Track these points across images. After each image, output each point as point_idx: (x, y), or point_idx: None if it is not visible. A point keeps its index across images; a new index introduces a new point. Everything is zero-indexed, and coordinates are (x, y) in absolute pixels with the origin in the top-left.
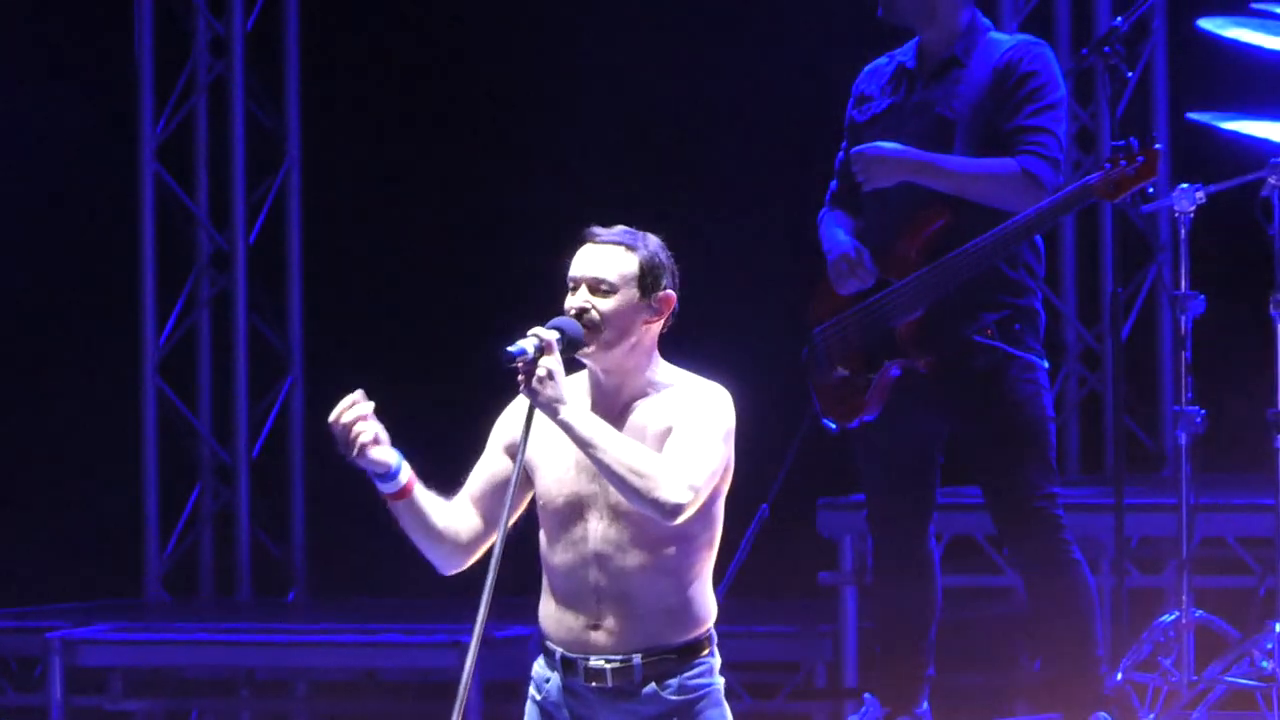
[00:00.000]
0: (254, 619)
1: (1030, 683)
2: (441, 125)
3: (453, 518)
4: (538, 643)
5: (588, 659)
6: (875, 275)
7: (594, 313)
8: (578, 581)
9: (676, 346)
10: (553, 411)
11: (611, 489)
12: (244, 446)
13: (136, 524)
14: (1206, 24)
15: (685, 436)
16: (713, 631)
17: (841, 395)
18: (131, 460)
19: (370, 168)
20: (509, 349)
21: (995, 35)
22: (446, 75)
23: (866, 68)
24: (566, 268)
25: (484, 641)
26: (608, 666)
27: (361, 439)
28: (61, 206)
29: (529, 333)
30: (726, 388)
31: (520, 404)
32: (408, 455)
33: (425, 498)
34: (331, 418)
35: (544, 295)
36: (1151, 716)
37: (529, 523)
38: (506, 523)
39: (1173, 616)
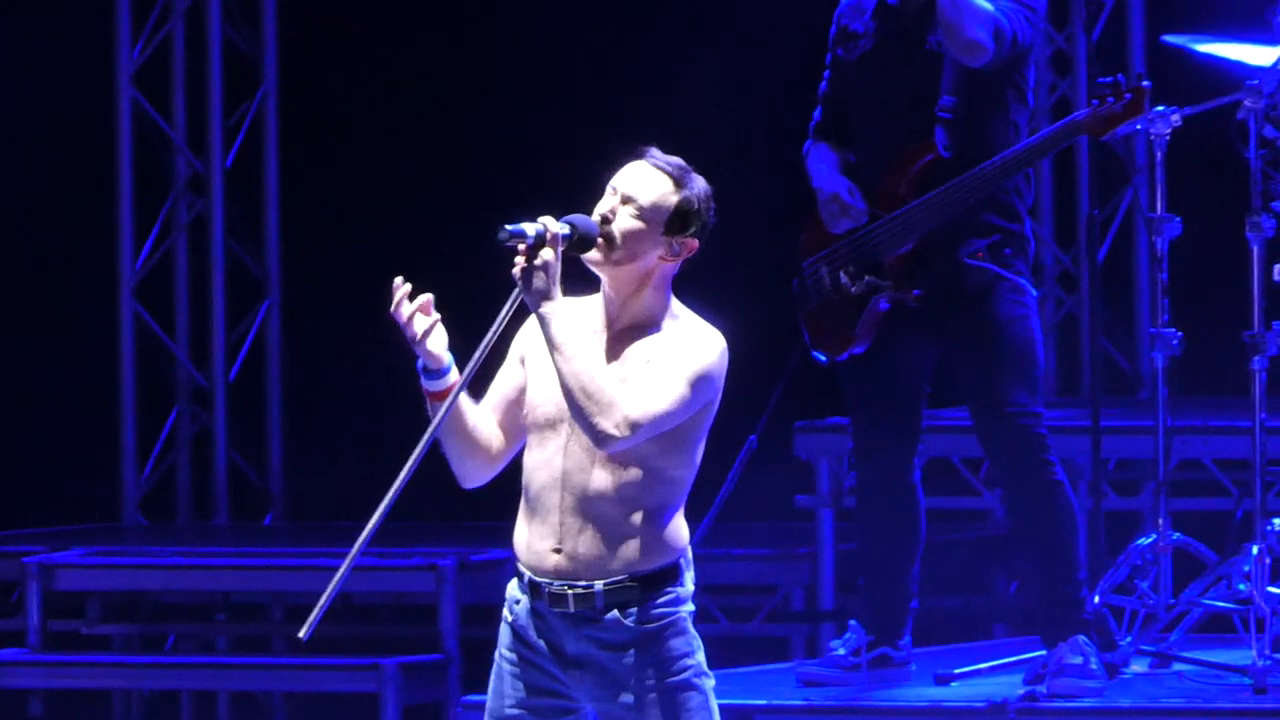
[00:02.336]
0: (230, 543)
1: (1008, 606)
2: (421, 47)
3: (485, 427)
4: (514, 567)
5: (552, 584)
6: (867, 214)
7: (614, 225)
8: (546, 502)
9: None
10: (535, 303)
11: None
12: (221, 370)
13: (113, 448)
14: None
15: (652, 374)
16: (681, 562)
17: (830, 327)
18: (108, 384)
19: (348, 91)
20: (508, 226)
21: None
22: None
23: (843, 6)
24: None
25: (460, 565)
26: (570, 592)
27: (419, 327)
28: (38, 132)
29: (539, 219)
30: (715, 320)
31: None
32: (388, 380)
33: (466, 402)
34: (392, 309)
35: (527, 217)
36: (1129, 639)
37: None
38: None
39: (1150, 539)
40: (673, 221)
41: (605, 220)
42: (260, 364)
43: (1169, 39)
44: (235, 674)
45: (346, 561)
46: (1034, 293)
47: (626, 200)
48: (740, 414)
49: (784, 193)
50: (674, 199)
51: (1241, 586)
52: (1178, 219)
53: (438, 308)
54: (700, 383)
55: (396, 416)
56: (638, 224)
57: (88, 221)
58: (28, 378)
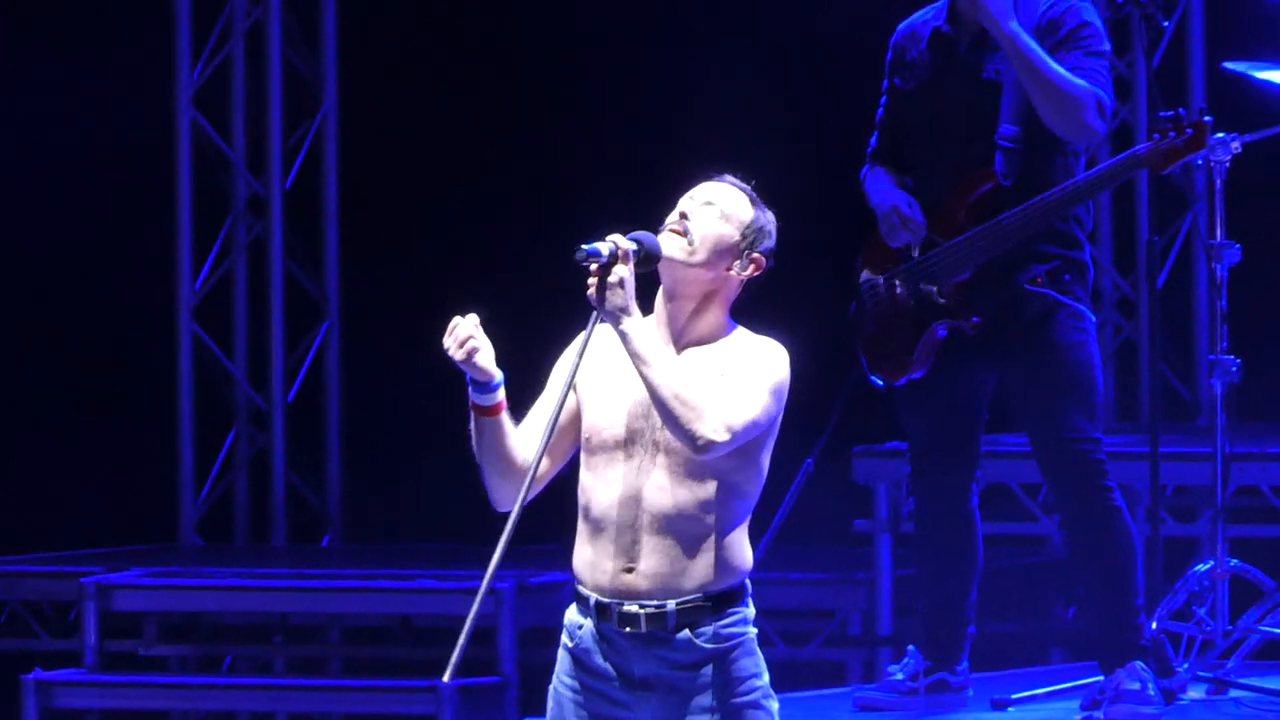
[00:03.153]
0: (288, 565)
1: (1065, 631)
2: (480, 71)
3: (525, 449)
4: (572, 590)
5: (622, 604)
6: (925, 228)
7: (693, 226)
8: (616, 521)
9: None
10: (615, 319)
11: (658, 425)
12: (279, 392)
13: (172, 469)
14: None
15: (735, 382)
16: (748, 582)
17: (888, 352)
18: (167, 405)
19: (407, 113)
20: (584, 246)
21: None
22: (486, 22)
23: (902, 26)
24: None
25: (519, 588)
26: (641, 612)
27: (472, 343)
28: (98, 152)
29: (608, 238)
30: (776, 340)
31: (579, 342)
32: (447, 401)
33: (509, 423)
34: (445, 342)
35: (586, 240)
36: (1186, 665)
37: (569, 469)
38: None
39: (1207, 566)
40: (747, 233)
41: (681, 217)
42: (318, 385)
43: (1229, 66)
44: (292, 696)
45: (480, 592)
46: (1093, 318)
47: (707, 204)
48: (798, 437)
49: (842, 215)
50: (750, 213)
51: None
52: (1237, 246)
53: (498, 325)
54: (778, 392)
55: (454, 439)
56: (719, 226)
57: (147, 242)
58: (87, 398)
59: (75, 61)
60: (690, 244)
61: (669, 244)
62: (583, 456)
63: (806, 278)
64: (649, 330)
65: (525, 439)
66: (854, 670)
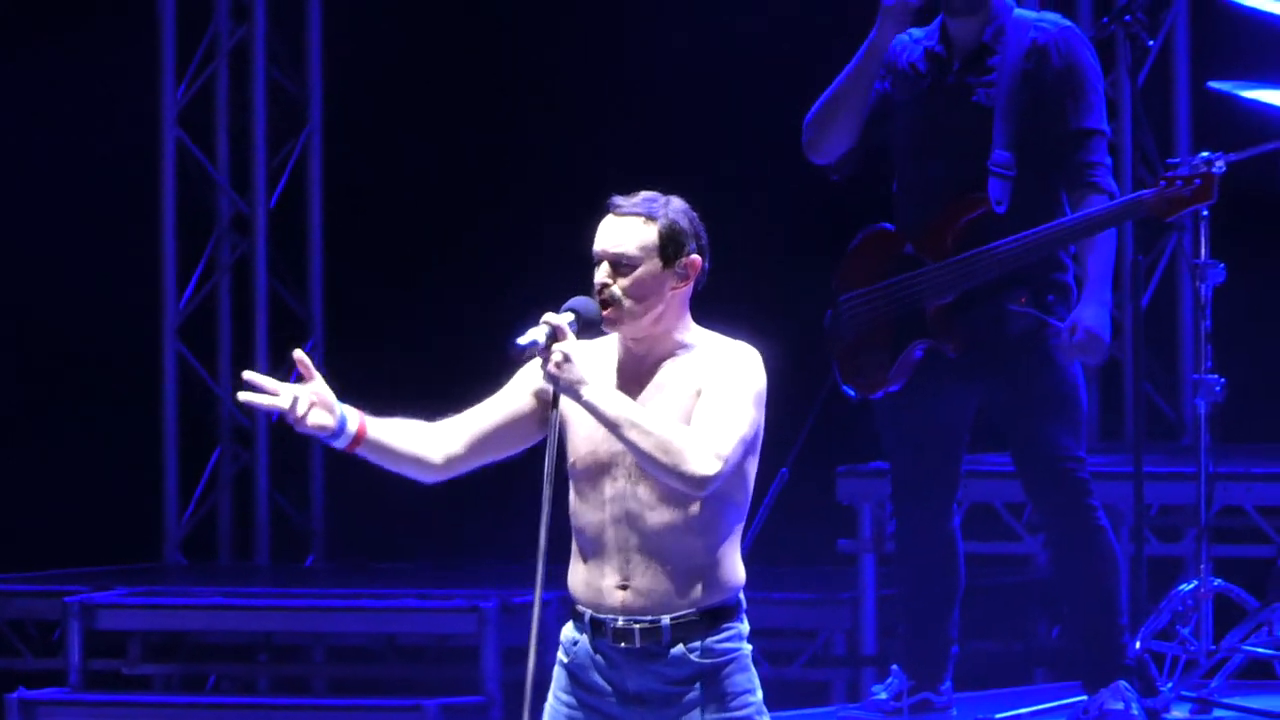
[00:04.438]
0: (272, 584)
1: (1049, 650)
2: (464, 91)
3: (424, 444)
4: (560, 607)
5: (616, 620)
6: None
7: (614, 288)
8: (607, 541)
9: (700, 305)
10: (575, 395)
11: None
12: (263, 412)
13: (155, 488)
14: None
15: (715, 402)
16: (741, 597)
17: (862, 366)
18: (151, 424)
19: (392, 132)
20: (517, 341)
21: (1020, 14)
22: (472, 40)
23: (894, 42)
24: (592, 238)
25: (503, 607)
26: (636, 627)
27: (307, 415)
28: (83, 170)
29: (542, 319)
30: (751, 347)
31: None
32: (431, 420)
33: (386, 433)
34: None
35: (565, 261)
36: (1170, 685)
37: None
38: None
39: (1191, 585)
40: (665, 251)
41: (602, 288)
42: None
43: (1214, 85)
44: (276, 715)
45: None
46: None
47: (616, 261)
48: (773, 445)
49: (818, 221)
50: (653, 232)
51: None
52: (1221, 265)
53: (481, 351)
54: (758, 400)
55: None
56: (636, 274)
57: (132, 261)
58: (70, 416)
59: (59, 79)
60: (620, 307)
61: (605, 317)
62: (571, 482)
63: (782, 284)
64: (610, 390)
65: (433, 434)
66: (838, 690)
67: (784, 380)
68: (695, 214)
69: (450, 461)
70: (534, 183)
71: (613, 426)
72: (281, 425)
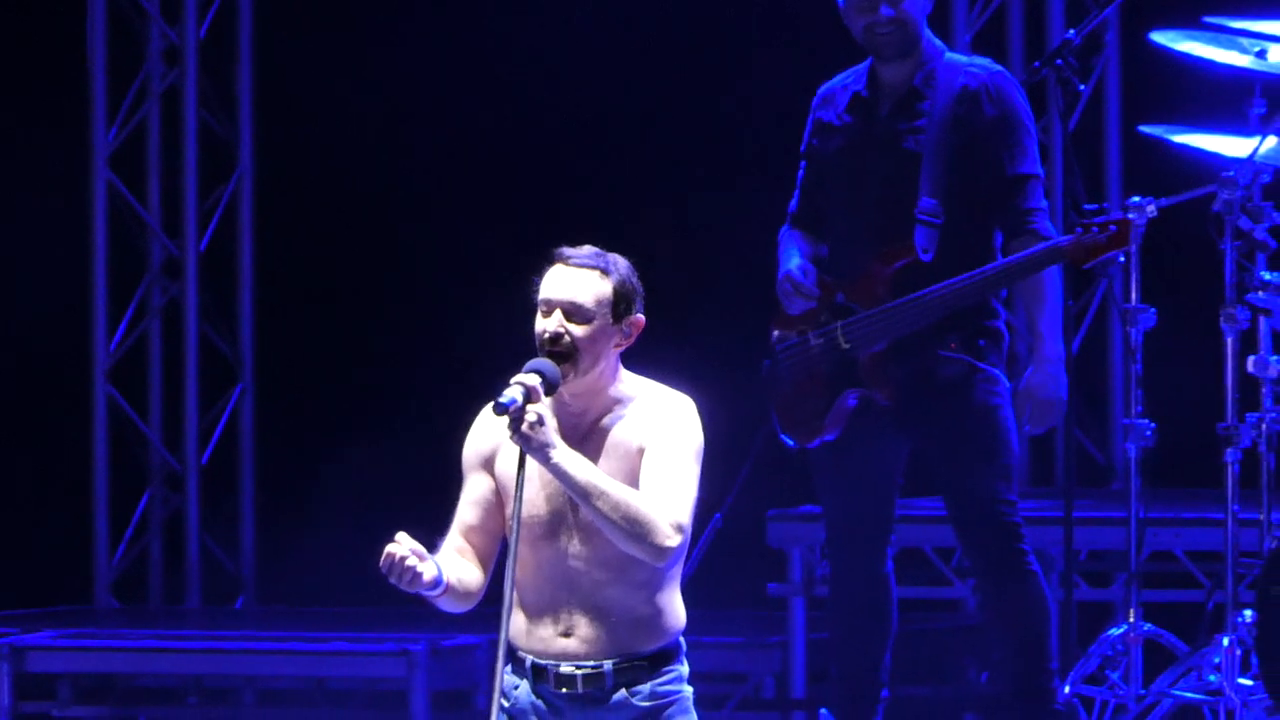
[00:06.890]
0: (202, 626)
1: (979, 695)
2: (396, 131)
3: (465, 575)
4: (491, 650)
5: (558, 665)
6: (818, 297)
7: (569, 339)
8: (549, 597)
9: (638, 349)
10: (544, 458)
11: (581, 508)
12: (194, 454)
13: (86, 531)
14: (1159, 37)
15: (661, 466)
16: (682, 640)
17: (800, 415)
18: (81, 467)
19: (323, 175)
20: (501, 400)
21: (950, 57)
22: (405, 85)
23: (822, 89)
24: (529, 282)
25: (432, 651)
26: (578, 673)
27: (413, 573)
28: (13, 212)
29: (513, 381)
30: (686, 393)
31: (483, 424)
32: (360, 465)
33: (453, 576)
34: (383, 565)
35: (501, 306)
36: None
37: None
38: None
39: (1121, 629)
40: (617, 308)
41: (556, 338)
42: (233, 448)
43: (1146, 129)
44: None
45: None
46: (1008, 384)
47: (571, 311)
48: (708, 492)
49: (758, 271)
50: (608, 287)
51: (1212, 678)
52: (1152, 310)
53: (414, 393)
54: (699, 454)
55: (369, 501)
56: (591, 328)
57: (62, 304)
58: (1, 460)
59: None
60: (574, 361)
61: (562, 370)
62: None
63: (720, 328)
64: (576, 456)
65: (462, 565)
66: None
67: (720, 424)
68: (637, 274)
69: (480, 584)
70: (468, 228)
71: (581, 494)
72: (212, 467)
